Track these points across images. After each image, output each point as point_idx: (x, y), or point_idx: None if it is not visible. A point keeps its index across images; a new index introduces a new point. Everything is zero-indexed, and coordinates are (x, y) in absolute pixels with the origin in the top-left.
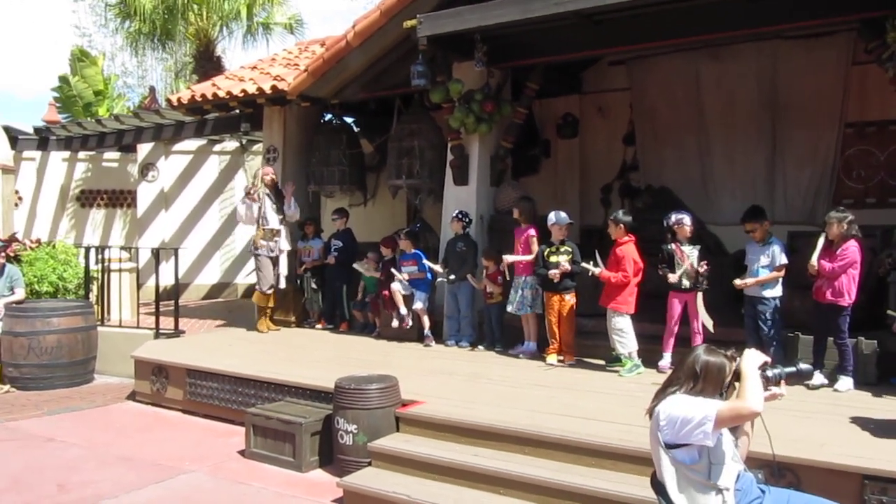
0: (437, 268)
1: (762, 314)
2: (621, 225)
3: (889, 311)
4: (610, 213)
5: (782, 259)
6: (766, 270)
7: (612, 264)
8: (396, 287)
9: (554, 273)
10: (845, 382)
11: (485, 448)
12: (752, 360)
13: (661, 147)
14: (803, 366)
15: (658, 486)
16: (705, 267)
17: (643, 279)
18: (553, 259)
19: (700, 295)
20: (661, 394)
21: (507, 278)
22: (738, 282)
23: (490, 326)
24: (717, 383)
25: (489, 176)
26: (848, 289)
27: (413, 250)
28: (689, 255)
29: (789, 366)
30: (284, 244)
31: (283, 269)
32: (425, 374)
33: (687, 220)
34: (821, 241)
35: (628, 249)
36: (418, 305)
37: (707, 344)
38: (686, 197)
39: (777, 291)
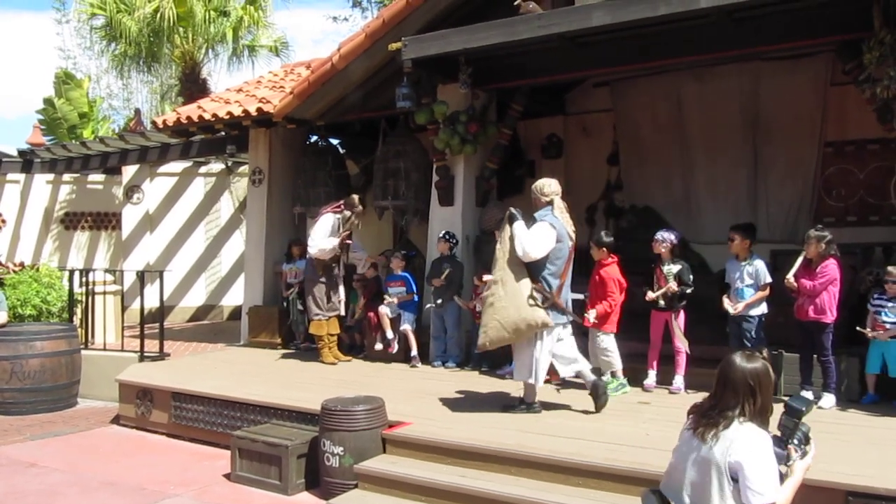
0: (438, 281)
1: (747, 332)
2: (604, 248)
3: (858, 328)
4: (595, 233)
5: (766, 278)
6: (750, 290)
7: (596, 285)
8: (384, 310)
9: None
10: (829, 399)
11: (471, 469)
12: (806, 462)
13: (645, 167)
14: (804, 427)
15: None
16: (675, 287)
17: (626, 298)
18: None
19: (675, 314)
20: (715, 416)
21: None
22: (729, 308)
23: None
24: (770, 389)
25: (474, 196)
26: (830, 306)
27: (402, 272)
28: (668, 274)
29: (798, 432)
30: (340, 269)
31: (342, 294)
32: (412, 395)
33: (662, 237)
34: (799, 259)
35: (612, 271)
36: (405, 327)
37: (741, 350)
38: (670, 216)
39: (762, 309)
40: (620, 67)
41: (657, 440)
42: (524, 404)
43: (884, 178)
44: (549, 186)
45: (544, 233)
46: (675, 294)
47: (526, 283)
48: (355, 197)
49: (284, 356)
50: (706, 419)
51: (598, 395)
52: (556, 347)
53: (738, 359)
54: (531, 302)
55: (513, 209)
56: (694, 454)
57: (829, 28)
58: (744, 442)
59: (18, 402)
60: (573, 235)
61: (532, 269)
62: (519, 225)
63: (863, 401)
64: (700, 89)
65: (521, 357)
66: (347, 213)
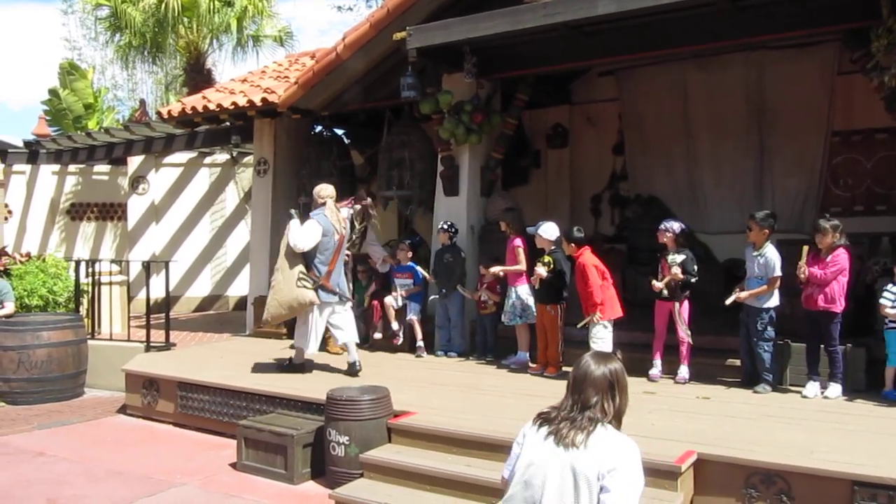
0: (431, 277)
1: (755, 325)
2: (573, 244)
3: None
4: (600, 223)
5: (775, 271)
6: (759, 282)
7: (578, 279)
8: (390, 301)
9: (532, 279)
10: (835, 389)
11: (477, 458)
12: None
13: (650, 156)
14: None
15: None
16: (679, 277)
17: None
18: (538, 268)
19: (679, 304)
20: (581, 419)
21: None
22: (728, 301)
23: (483, 337)
24: (627, 391)
25: (479, 186)
26: (839, 295)
27: (408, 262)
28: (672, 263)
29: None
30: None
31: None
32: (417, 385)
33: (665, 226)
34: (805, 249)
35: (587, 257)
36: (411, 317)
37: (594, 351)
38: (675, 206)
39: (774, 302)
40: (626, 56)
41: (663, 430)
42: (293, 364)
43: (891, 168)
44: (324, 190)
45: (310, 228)
46: (678, 284)
47: (298, 271)
48: (362, 191)
49: (290, 346)
50: (572, 423)
51: (351, 374)
52: (332, 319)
53: (595, 358)
54: (300, 284)
55: (292, 210)
56: (557, 464)
57: (836, 16)
58: (616, 450)
59: (26, 391)
60: (339, 229)
61: (307, 259)
62: (294, 223)
63: (886, 395)
64: (706, 78)
65: (301, 328)
66: (358, 206)
